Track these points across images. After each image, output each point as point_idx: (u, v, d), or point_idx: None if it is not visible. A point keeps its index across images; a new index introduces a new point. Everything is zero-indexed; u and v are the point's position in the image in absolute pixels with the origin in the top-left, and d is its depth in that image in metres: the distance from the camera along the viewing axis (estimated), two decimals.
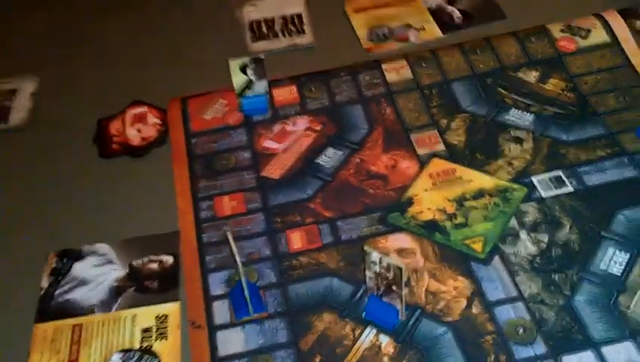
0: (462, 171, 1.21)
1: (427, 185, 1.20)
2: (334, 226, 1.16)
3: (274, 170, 1.26)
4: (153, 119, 1.38)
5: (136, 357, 0.99)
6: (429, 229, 1.13)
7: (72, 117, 1.41)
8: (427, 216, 1.15)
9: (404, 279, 0.96)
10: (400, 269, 0.94)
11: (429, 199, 1.18)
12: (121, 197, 1.25)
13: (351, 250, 1.12)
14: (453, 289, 1.05)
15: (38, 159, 1.34)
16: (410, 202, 1.18)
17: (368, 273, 1.00)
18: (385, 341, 1.00)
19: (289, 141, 1.31)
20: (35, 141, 1.38)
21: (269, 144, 1.31)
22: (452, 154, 1.24)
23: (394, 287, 0.98)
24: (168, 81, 1.46)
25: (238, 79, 1.35)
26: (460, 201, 1.17)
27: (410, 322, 1.02)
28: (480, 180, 1.19)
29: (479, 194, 1.17)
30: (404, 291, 0.98)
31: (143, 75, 1.49)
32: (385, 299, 1.01)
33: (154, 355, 0.99)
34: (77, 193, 1.27)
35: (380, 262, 0.97)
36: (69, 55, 1.57)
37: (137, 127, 1.36)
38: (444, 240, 1.11)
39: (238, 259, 0.97)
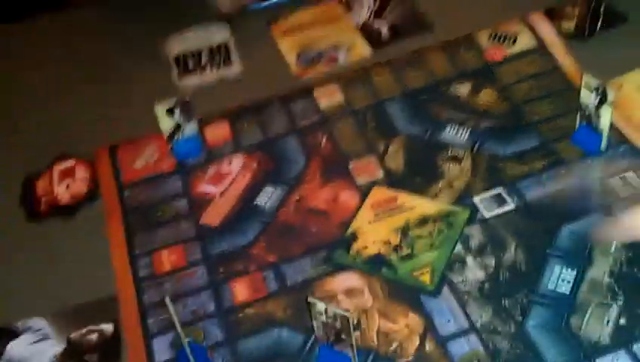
0: (403, 198, 1.18)
1: (370, 216, 1.18)
2: (279, 272, 1.12)
3: (213, 217, 1.22)
4: (82, 173, 1.31)
5: None
6: (375, 265, 1.10)
7: None
8: (372, 250, 1.13)
9: (352, 326, 0.93)
10: (347, 318, 0.92)
11: (372, 232, 1.15)
12: (53, 262, 1.19)
13: (297, 295, 1.09)
14: (405, 327, 1.03)
15: None
16: (354, 237, 1.15)
17: (316, 323, 0.97)
18: None
19: (226, 183, 1.27)
20: None
21: (205, 188, 1.27)
22: (392, 180, 1.21)
23: (343, 336, 0.96)
24: (95, 131, 1.40)
25: (165, 124, 1.29)
26: (404, 231, 1.14)
27: None
28: (422, 206, 1.17)
29: (423, 221, 1.15)
30: (354, 338, 0.95)
31: (69, 125, 1.42)
32: (336, 348, 0.98)
33: None
34: (4, 261, 1.21)
35: (326, 313, 0.94)
36: None
37: (66, 183, 1.30)
38: (391, 275, 1.08)
39: (178, 326, 0.93)
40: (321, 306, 0.94)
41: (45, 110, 1.45)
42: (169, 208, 1.24)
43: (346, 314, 0.91)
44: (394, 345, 1.00)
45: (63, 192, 1.28)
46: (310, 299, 0.94)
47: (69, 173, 1.31)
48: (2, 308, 1.12)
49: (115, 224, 1.22)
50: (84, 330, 1.07)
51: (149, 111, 1.27)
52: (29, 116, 1.45)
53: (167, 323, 1.07)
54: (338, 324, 0.94)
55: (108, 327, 1.07)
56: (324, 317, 0.95)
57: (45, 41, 1.60)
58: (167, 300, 0.95)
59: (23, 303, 1.13)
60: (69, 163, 1.33)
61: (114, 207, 1.25)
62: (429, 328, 1.01)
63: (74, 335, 1.06)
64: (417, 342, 1.00)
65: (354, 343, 0.95)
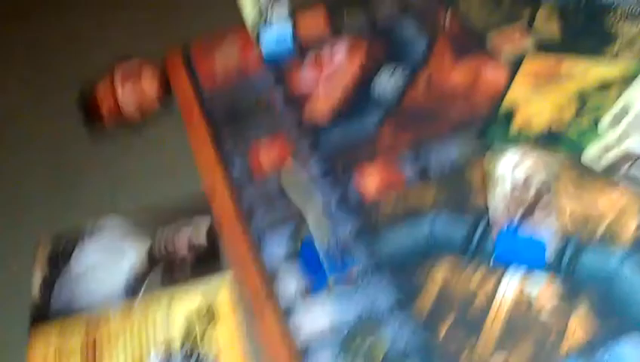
0: (570, 64, 0.92)
1: (527, 89, 0.91)
2: (417, 157, 0.86)
3: (319, 108, 0.96)
4: (149, 80, 1.07)
5: (182, 356, 0.68)
6: (548, 141, 0.83)
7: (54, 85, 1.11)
8: (539, 124, 0.86)
9: (554, 189, 0.66)
10: (549, 177, 0.65)
11: (535, 105, 0.88)
12: (128, 165, 0.94)
13: (448, 179, 0.82)
14: (610, 206, 0.75)
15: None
16: (510, 112, 0.88)
17: (494, 198, 0.70)
18: (536, 288, 0.70)
19: (329, 73, 1.02)
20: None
21: (305, 79, 1.01)
22: (548, 48, 0.95)
23: (537, 211, 0.68)
24: (162, 30, 1.16)
25: (250, 11, 1.05)
26: (579, 100, 0.88)
27: (566, 257, 0.71)
28: (598, 71, 0.90)
29: (603, 87, 0.88)
30: (553, 211, 0.68)
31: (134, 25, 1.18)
32: (522, 232, 0.71)
33: (204, 355, 0.68)
34: (70, 166, 0.96)
35: (514, 177, 0.67)
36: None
37: (133, 91, 1.06)
38: (574, 150, 0.82)
39: (306, 199, 0.66)
40: (507, 166, 0.67)
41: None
42: (262, 102, 0.98)
43: (550, 167, 0.64)
44: (600, 229, 0.73)
45: (128, 100, 1.04)
46: (487, 162, 0.68)
47: (133, 77, 1.07)
48: (70, 211, 0.88)
49: (197, 125, 0.97)
50: (170, 231, 0.81)
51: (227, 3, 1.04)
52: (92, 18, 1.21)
53: (279, 216, 0.81)
54: (531, 192, 0.67)
55: (201, 226, 0.81)
56: (508, 185, 0.68)
57: None
58: (288, 166, 0.69)
59: (93, 205, 0.88)
60: (134, 65, 1.09)
61: (192, 109, 1.00)
62: None
63: (159, 236, 0.81)
64: (636, 223, 0.73)
65: (555, 214, 0.68)
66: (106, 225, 0.83)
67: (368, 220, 0.78)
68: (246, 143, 0.92)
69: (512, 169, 0.66)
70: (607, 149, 0.80)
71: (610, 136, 0.82)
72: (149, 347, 0.69)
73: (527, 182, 0.67)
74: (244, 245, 0.79)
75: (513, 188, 0.67)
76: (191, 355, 0.67)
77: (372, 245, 0.76)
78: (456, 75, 0.96)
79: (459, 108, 0.91)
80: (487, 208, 0.73)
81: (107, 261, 0.79)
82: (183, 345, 0.68)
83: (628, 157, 0.79)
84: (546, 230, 0.69)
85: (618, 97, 0.85)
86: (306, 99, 0.98)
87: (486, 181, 0.68)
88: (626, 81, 0.87)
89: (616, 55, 0.90)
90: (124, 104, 1.03)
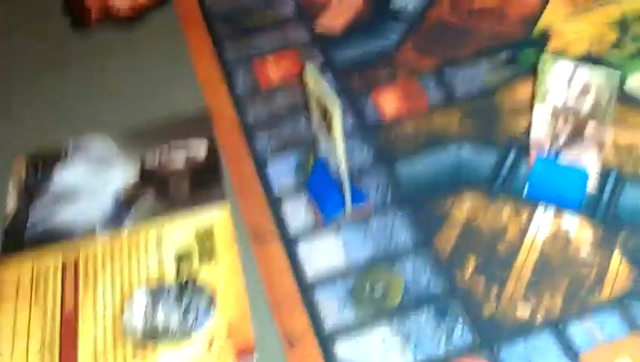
0: None
1: (565, 11, 0.82)
2: (442, 77, 0.78)
3: (333, 20, 0.87)
4: None
5: (173, 295, 0.61)
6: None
7: None
8: (578, 48, 0.77)
9: (602, 116, 0.58)
10: (612, 77, 0.56)
11: (574, 28, 0.80)
12: (115, 75, 0.85)
13: (476, 103, 0.74)
14: None
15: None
16: (545, 36, 0.80)
17: (539, 113, 0.61)
18: (573, 224, 0.63)
19: None
20: None
21: None
22: None
23: (587, 131, 0.60)
24: None
25: None
26: (622, 25, 0.79)
27: (606, 192, 0.65)
28: None
29: None
30: (606, 131, 0.59)
31: None
32: (564, 156, 0.64)
33: (200, 287, 0.61)
34: (52, 75, 0.86)
35: (571, 80, 0.58)
36: None
37: None
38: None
39: (330, 97, 0.58)
40: (560, 77, 0.58)
41: None
42: (270, 12, 0.89)
43: (611, 74, 0.56)
44: None
45: (123, 1, 0.94)
46: (547, 55, 0.59)
47: None
48: (48, 128, 0.79)
49: (196, 30, 0.87)
50: (165, 151, 0.73)
51: None
52: None
53: (287, 139, 0.73)
54: (586, 106, 0.58)
55: (200, 146, 0.73)
56: (560, 100, 0.59)
57: None
58: (308, 67, 0.61)
59: (75, 122, 0.79)
60: None
61: (191, 11, 0.91)
62: None
63: (151, 156, 0.73)
64: None
65: (601, 142, 0.60)
66: (91, 144, 0.74)
67: (387, 145, 0.71)
68: (252, 55, 0.83)
69: (562, 83, 0.58)
70: None
71: None
72: (138, 279, 0.62)
73: (578, 100, 0.59)
74: (247, 168, 0.71)
75: (560, 107, 0.59)
76: (184, 290, 0.60)
77: (391, 173, 0.68)
78: None
79: (488, 28, 0.82)
80: (521, 135, 0.66)
81: (92, 181, 0.70)
82: (176, 277, 0.61)
83: None
84: (589, 159, 0.61)
85: None
86: (320, 9, 0.88)
87: (535, 90, 0.59)
88: None
89: None
90: (117, 6, 0.93)
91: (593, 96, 0.57)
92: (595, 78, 0.56)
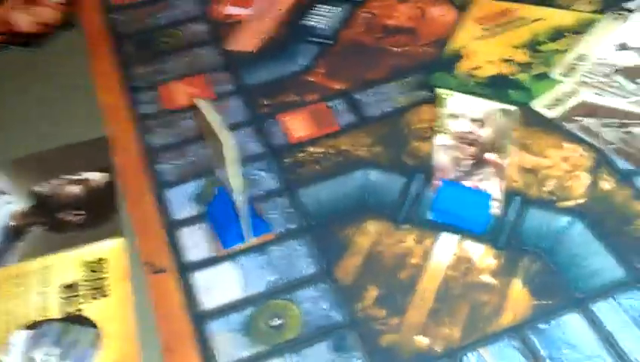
0: (525, 10, 0.83)
1: (476, 32, 0.82)
2: (352, 101, 0.76)
3: (246, 42, 0.85)
4: None
5: (55, 333, 0.56)
6: (497, 87, 0.75)
7: None
8: (489, 70, 0.77)
9: (510, 136, 0.57)
10: (512, 113, 0.55)
11: (485, 49, 0.79)
12: (12, 101, 0.81)
13: (387, 127, 0.73)
14: (562, 161, 0.68)
15: None
16: (457, 57, 0.79)
17: (442, 140, 0.60)
18: (476, 250, 0.61)
19: (259, 3, 0.90)
20: None
21: (230, 10, 0.90)
22: None
23: (488, 156, 0.59)
24: None
25: None
26: (532, 46, 0.79)
27: (510, 217, 0.63)
28: (553, 17, 0.82)
29: (557, 34, 0.80)
30: (507, 161, 0.59)
31: None
32: (468, 182, 0.62)
33: (87, 323, 0.57)
34: None
35: (463, 122, 0.57)
36: None
37: (28, 10, 0.92)
38: (524, 99, 0.73)
39: (223, 132, 0.56)
40: (456, 109, 0.57)
41: None
42: (180, 33, 0.86)
43: (511, 106, 0.55)
44: (550, 184, 0.65)
45: (24, 20, 0.90)
46: (440, 91, 0.58)
47: None
48: None
49: (101, 54, 0.84)
50: (56, 181, 0.69)
51: None
52: None
53: (187, 169, 0.71)
54: (487, 133, 0.57)
55: (95, 176, 0.70)
56: (459, 124, 0.58)
57: None
58: (200, 102, 0.58)
59: None
60: None
61: (98, 33, 0.87)
62: (603, 160, 0.66)
63: (42, 187, 0.69)
64: (588, 181, 0.65)
65: (506, 165, 0.59)
66: None
67: (293, 170, 0.69)
68: (159, 80, 0.80)
69: (462, 113, 0.57)
70: (560, 98, 0.72)
71: (565, 85, 0.74)
72: (17, 318, 0.57)
73: (475, 129, 0.58)
74: (146, 197, 0.67)
75: (461, 135, 0.58)
76: (68, 328, 0.56)
77: (295, 199, 0.66)
78: (400, 12, 0.86)
79: (401, 48, 0.81)
80: (427, 159, 0.64)
81: None
82: (62, 315, 0.57)
83: (582, 108, 0.71)
84: (491, 184, 0.60)
85: (572, 46, 0.77)
86: (232, 28, 0.86)
87: (433, 123, 0.59)
88: (580, 30, 0.79)
89: (570, 4, 0.83)
90: (17, 20, 0.89)
91: (493, 130, 0.56)
92: (492, 112, 0.56)
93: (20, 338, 0.55)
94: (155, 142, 0.73)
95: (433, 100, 0.73)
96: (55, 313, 0.58)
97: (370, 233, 0.62)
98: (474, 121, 0.57)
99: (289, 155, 0.70)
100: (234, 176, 0.57)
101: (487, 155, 0.58)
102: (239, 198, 0.58)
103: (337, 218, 0.64)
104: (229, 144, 0.55)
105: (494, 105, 0.55)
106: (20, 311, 0.58)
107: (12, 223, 0.66)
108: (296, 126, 0.73)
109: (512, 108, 0.55)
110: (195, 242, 0.63)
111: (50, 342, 0.55)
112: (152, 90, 0.79)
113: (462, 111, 0.57)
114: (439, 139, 0.59)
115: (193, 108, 0.75)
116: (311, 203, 0.66)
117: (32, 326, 0.56)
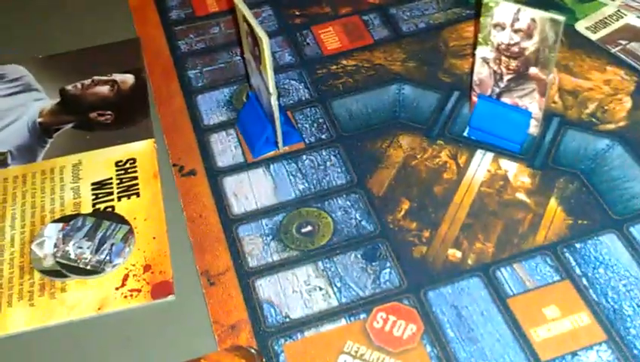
0: None
1: None
2: (387, 16, 0.74)
3: None
4: None
5: (87, 227, 0.57)
6: (539, 4, 0.72)
7: None
8: None
9: (546, 58, 0.55)
10: (559, 23, 0.53)
11: None
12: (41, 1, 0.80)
13: (422, 43, 0.71)
14: (604, 83, 0.66)
15: None
16: None
17: (484, 52, 0.58)
18: (511, 168, 0.60)
19: None
20: None
21: None
22: None
23: (531, 71, 0.57)
24: None
25: None
26: None
27: (548, 137, 0.62)
28: None
29: None
30: (550, 76, 0.57)
31: None
32: (506, 98, 0.61)
33: (119, 220, 0.57)
34: None
35: (514, 22, 0.55)
36: None
37: None
38: (567, 20, 0.71)
39: (261, 31, 0.54)
40: (503, 18, 0.55)
41: None
42: None
43: (558, 17, 0.53)
44: (591, 107, 0.64)
45: None
46: (482, 12, 0.56)
47: None
48: None
49: None
50: (87, 81, 0.68)
51: None
52: None
53: (218, 74, 0.69)
54: (531, 44, 0.55)
55: (126, 78, 0.68)
56: (504, 34, 0.56)
57: None
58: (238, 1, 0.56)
59: None
60: None
61: None
62: None
63: (72, 86, 0.68)
64: (629, 104, 0.64)
65: (550, 81, 0.57)
66: (5, 72, 0.69)
67: (326, 81, 0.67)
68: None
69: (508, 22, 0.55)
70: (604, 21, 0.70)
71: (609, 8, 0.71)
72: (52, 210, 0.57)
73: (522, 43, 0.56)
74: (176, 101, 0.66)
75: (505, 47, 0.56)
76: (101, 223, 0.55)
77: (328, 111, 0.65)
78: None
79: None
80: (465, 76, 0.63)
81: (7, 112, 0.65)
82: (93, 210, 0.57)
83: (626, 31, 0.69)
84: (531, 101, 0.59)
85: None
86: None
87: (472, 40, 0.57)
88: None
89: None
90: None
91: (537, 40, 0.54)
92: (539, 22, 0.53)
93: (54, 231, 0.55)
94: (185, 47, 0.72)
95: (471, 18, 0.73)
96: (87, 208, 0.58)
97: (403, 147, 0.62)
98: (519, 31, 0.55)
99: (321, 67, 0.69)
100: (270, 76, 0.55)
101: (531, 70, 0.56)
102: (273, 101, 0.57)
103: (370, 131, 0.63)
104: (266, 42, 0.53)
105: (543, 15, 0.53)
106: (52, 205, 0.58)
107: (41, 120, 0.65)
108: (329, 38, 0.72)
109: (561, 18, 0.53)
110: (225, 147, 0.63)
111: (84, 236, 0.55)
112: None
113: (508, 21, 0.55)
114: (481, 51, 0.58)
115: (224, 14, 0.74)
116: (343, 115, 0.65)
117: (65, 219, 0.56)
